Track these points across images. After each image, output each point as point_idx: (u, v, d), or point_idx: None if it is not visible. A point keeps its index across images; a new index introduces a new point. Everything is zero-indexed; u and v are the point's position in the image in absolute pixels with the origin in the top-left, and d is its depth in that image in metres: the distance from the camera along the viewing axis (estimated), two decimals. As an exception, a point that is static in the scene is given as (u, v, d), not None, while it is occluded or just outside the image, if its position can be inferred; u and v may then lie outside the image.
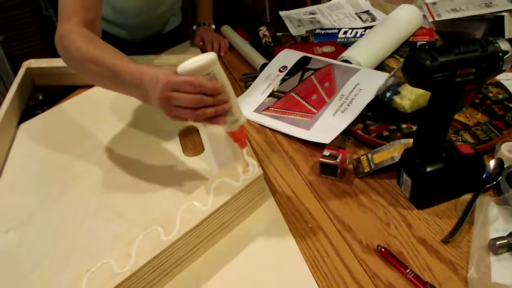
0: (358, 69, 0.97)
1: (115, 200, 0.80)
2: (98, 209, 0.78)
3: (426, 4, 1.29)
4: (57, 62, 1.14)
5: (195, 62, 0.64)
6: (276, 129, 0.93)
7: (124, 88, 0.75)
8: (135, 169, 0.87)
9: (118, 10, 1.18)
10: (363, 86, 0.92)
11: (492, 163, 0.78)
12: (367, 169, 0.79)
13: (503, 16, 1.10)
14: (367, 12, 1.40)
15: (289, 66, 1.06)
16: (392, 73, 0.90)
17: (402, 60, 1.10)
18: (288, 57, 1.09)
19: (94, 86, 1.16)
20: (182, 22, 1.44)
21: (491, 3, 1.18)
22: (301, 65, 1.05)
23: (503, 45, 0.62)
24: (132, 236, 0.64)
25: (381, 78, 0.92)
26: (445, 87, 0.63)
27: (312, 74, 1.00)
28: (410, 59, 0.62)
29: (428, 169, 0.70)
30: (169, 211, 0.67)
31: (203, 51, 1.28)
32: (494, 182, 0.76)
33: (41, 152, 0.94)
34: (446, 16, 1.17)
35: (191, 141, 0.93)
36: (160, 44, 1.34)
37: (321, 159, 0.79)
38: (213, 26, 1.36)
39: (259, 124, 0.96)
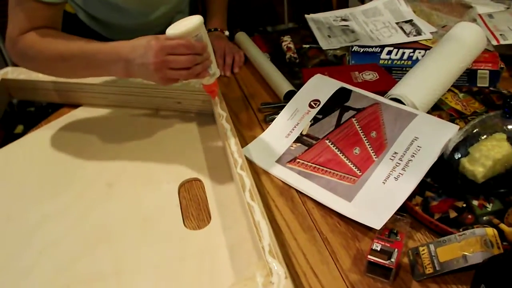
0: (414, 114, 0.75)
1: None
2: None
3: (480, 16, 1.06)
4: (37, 75, 0.94)
5: (186, 25, 0.69)
6: (306, 194, 0.71)
7: (100, 69, 0.76)
8: (117, 244, 0.66)
9: (116, 9, 0.97)
10: (423, 143, 0.70)
11: None
12: (429, 270, 0.59)
13: None
14: (410, 22, 1.16)
15: (323, 101, 0.83)
16: (466, 127, 0.68)
17: (461, 95, 0.87)
18: (320, 86, 0.86)
19: (80, 106, 0.96)
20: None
21: None
22: (338, 100, 0.82)
23: None
24: None
25: (447, 132, 0.70)
26: None
27: (353, 116, 0.78)
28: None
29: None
30: None
31: None
32: None
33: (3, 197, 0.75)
34: (516, 38, 0.94)
35: (194, 202, 0.73)
36: None
37: (369, 257, 0.58)
38: (227, 33, 1.14)
39: (282, 181, 0.75)
